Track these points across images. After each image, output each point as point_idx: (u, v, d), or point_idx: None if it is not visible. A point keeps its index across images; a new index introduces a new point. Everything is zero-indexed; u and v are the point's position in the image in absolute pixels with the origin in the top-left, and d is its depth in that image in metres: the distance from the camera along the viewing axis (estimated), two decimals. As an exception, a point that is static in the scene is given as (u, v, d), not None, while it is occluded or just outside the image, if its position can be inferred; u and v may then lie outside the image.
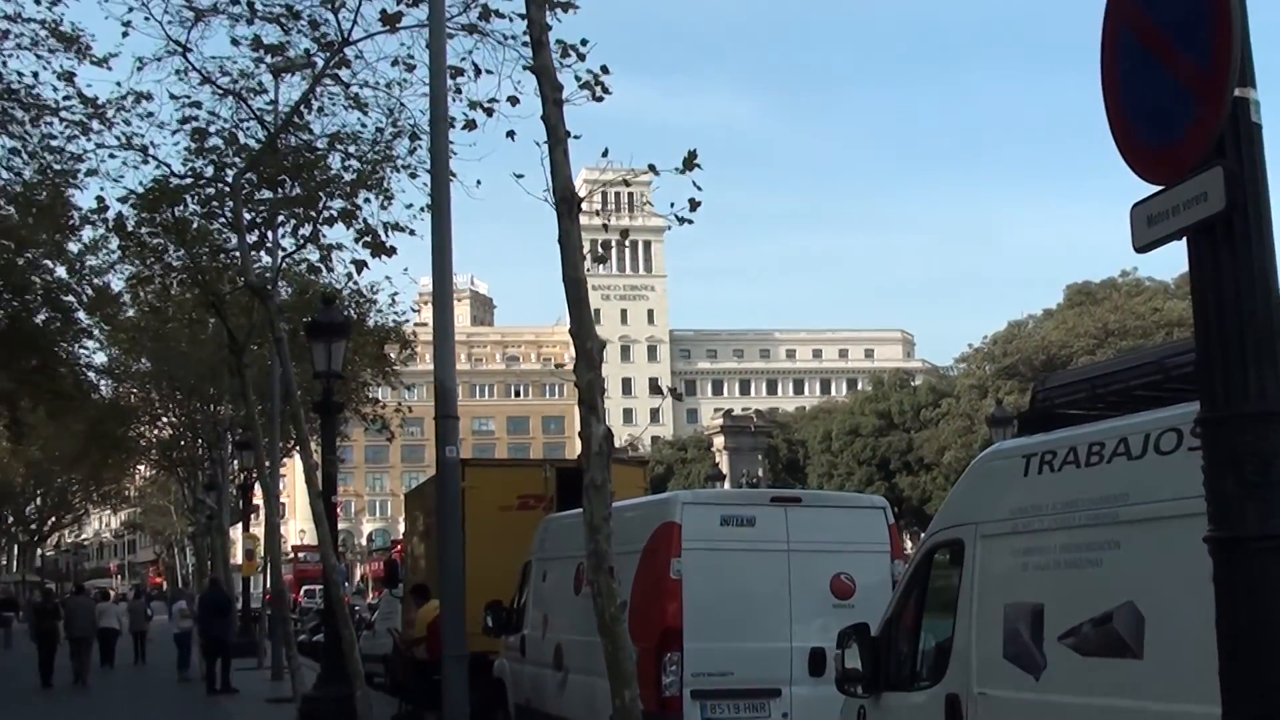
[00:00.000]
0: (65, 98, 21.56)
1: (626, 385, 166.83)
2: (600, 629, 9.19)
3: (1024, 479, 7.62)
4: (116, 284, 31.80)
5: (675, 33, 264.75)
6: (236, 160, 20.57)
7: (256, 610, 40.23)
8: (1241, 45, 4.02)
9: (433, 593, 17.58)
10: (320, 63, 18.64)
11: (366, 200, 20.29)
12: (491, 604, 16.80)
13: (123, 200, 22.30)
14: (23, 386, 32.71)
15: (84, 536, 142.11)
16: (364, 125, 20.04)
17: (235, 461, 42.70)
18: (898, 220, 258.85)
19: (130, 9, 17.87)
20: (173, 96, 19.69)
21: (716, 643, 12.24)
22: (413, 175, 20.20)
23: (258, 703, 25.42)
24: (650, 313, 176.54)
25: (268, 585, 33.55)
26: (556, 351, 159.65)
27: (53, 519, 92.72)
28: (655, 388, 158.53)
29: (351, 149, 20.27)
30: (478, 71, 16.10)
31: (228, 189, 20.74)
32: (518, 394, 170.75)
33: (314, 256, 22.76)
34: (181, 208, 22.26)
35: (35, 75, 22.55)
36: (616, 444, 11.36)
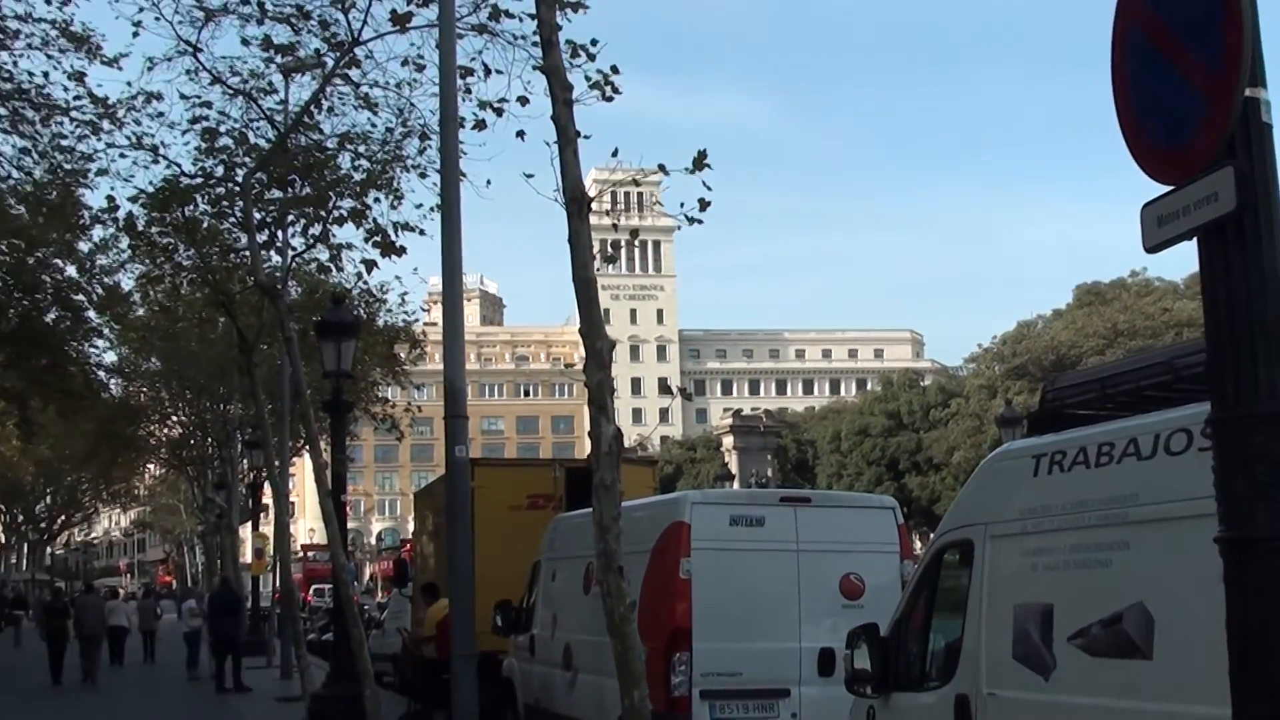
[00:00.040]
0: (76, 97, 21.69)
1: (636, 385, 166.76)
2: (609, 629, 9.19)
3: (1034, 479, 7.60)
4: (127, 283, 31.99)
5: (685, 32, 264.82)
6: (246, 160, 20.63)
7: (266, 609, 40.27)
8: (1252, 45, 4.01)
9: (442, 592, 17.59)
10: (330, 63, 18.68)
11: (376, 200, 20.39)
12: (501, 603, 16.79)
13: (133, 200, 22.46)
14: (33, 385, 32.80)
15: (93, 535, 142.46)
16: (374, 125, 20.13)
17: (245, 460, 42.72)
18: (907, 220, 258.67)
19: (141, 9, 17.98)
20: (183, 96, 19.80)
21: (725, 643, 12.23)
22: (422, 175, 20.31)
23: (267, 701, 25.43)
24: (660, 312, 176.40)
25: (277, 584, 33.56)
26: (566, 351, 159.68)
27: (62, 517, 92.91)
28: (665, 388, 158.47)
29: (361, 149, 20.35)
30: (487, 71, 16.17)
31: (238, 189, 20.80)
32: (527, 394, 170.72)
33: (324, 256, 22.88)
34: (191, 207, 22.35)
35: (46, 75, 22.70)
36: (626, 444, 11.37)
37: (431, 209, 19.73)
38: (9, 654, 42.11)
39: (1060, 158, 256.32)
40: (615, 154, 11.65)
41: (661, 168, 11.24)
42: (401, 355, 40.14)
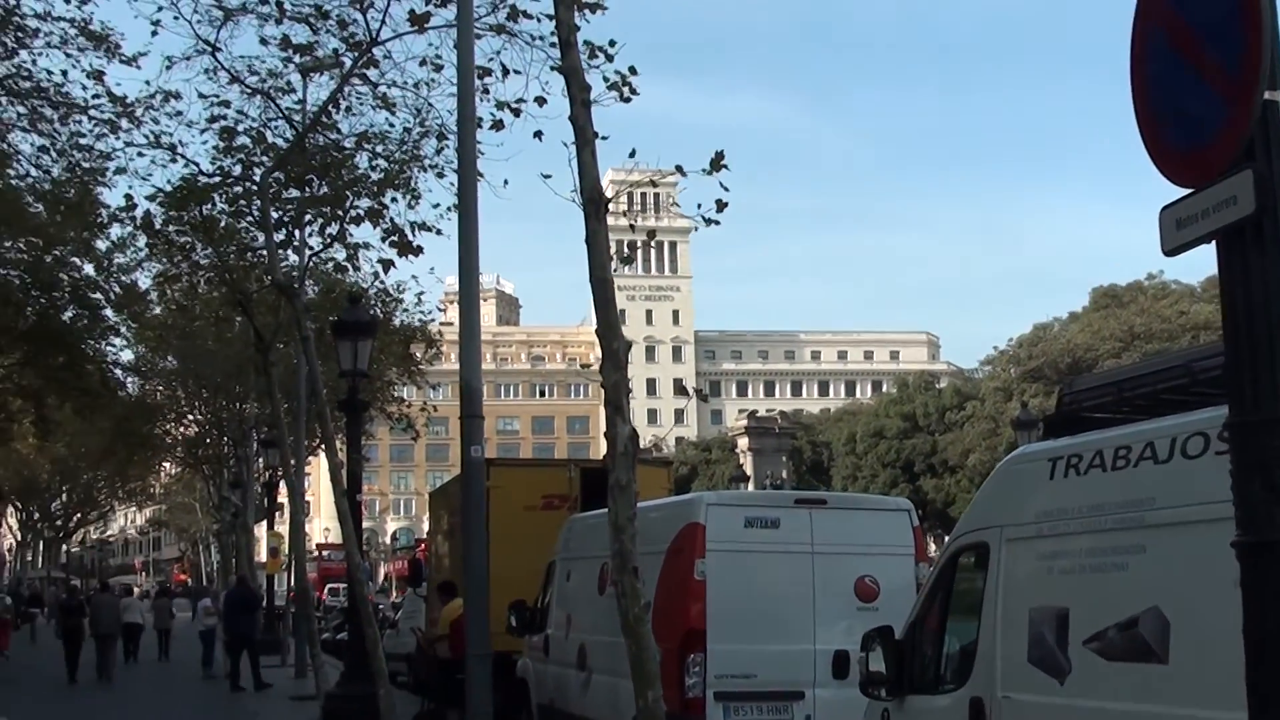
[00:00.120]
0: (94, 96, 21.72)
1: (651, 386, 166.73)
2: (624, 629, 9.18)
3: (1050, 482, 7.58)
4: (144, 282, 32.10)
5: (701, 33, 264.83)
6: (264, 159, 20.67)
7: (281, 608, 40.37)
8: (1272, 47, 4.00)
9: (458, 591, 17.60)
10: (348, 62, 18.71)
11: (393, 200, 20.42)
12: (515, 603, 16.79)
13: (151, 198, 22.50)
14: (50, 383, 32.90)
15: (109, 533, 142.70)
16: (391, 125, 20.16)
17: (260, 459, 42.84)
18: (924, 222, 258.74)
19: (160, 8, 17.99)
20: (201, 95, 19.84)
21: (740, 644, 12.21)
22: (440, 175, 20.33)
23: (281, 700, 25.51)
24: (675, 313, 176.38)
25: (292, 583, 33.65)
26: (582, 351, 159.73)
27: (78, 515, 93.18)
28: (680, 388, 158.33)
29: (379, 148, 20.39)
30: (505, 72, 16.17)
31: (255, 188, 20.85)
32: (543, 394, 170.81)
33: (341, 255, 22.95)
34: (209, 206, 22.39)
35: (64, 74, 22.79)
36: (641, 444, 11.36)
37: (448, 209, 19.78)
38: (25, 651, 42.25)
39: (1077, 160, 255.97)
40: (633, 155, 11.63)
41: (679, 169, 11.23)
42: (417, 355, 40.19)
